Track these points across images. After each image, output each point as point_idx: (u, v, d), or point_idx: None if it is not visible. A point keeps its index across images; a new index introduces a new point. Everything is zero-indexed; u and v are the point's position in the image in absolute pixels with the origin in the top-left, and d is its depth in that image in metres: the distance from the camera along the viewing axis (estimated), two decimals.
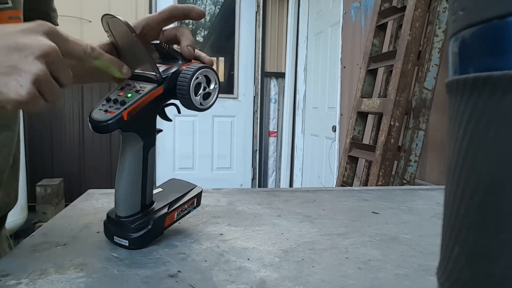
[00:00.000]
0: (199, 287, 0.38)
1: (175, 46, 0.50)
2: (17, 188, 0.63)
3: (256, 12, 3.76)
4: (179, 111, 0.49)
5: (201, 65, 0.46)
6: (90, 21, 3.22)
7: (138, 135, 0.45)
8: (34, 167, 3.22)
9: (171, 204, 0.49)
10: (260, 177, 3.90)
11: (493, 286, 0.17)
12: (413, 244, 0.51)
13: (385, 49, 1.88)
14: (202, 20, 4.02)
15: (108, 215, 0.48)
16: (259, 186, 3.84)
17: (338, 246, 0.49)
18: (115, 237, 0.46)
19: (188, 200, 0.51)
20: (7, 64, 0.35)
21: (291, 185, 3.78)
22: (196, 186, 0.54)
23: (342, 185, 1.85)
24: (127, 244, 0.46)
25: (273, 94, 3.86)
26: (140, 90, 0.44)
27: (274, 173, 3.95)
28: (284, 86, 3.78)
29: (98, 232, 0.53)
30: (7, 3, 0.51)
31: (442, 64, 1.50)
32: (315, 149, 3.33)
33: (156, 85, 0.44)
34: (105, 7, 3.29)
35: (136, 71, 0.47)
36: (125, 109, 0.42)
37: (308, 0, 3.51)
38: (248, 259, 0.45)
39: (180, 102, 0.46)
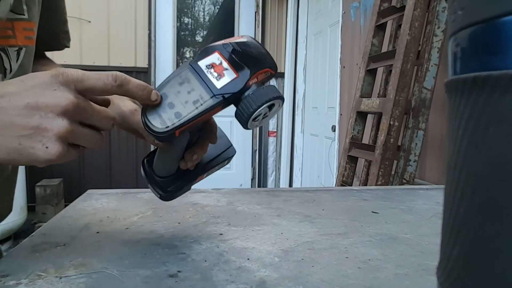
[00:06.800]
0: (199, 287, 0.38)
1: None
2: (12, 198, 0.63)
3: (255, 12, 3.76)
4: None
5: (272, 96, 0.41)
6: (89, 21, 3.22)
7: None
8: (34, 167, 3.21)
9: (204, 168, 0.50)
10: (260, 177, 3.90)
11: (493, 286, 0.17)
12: (413, 243, 0.51)
13: (384, 49, 1.88)
14: (202, 20, 4.02)
15: (145, 167, 0.49)
16: (259, 186, 3.83)
17: (338, 246, 0.49)
18: (149, 184, 0.49)
19: (220, 163, 0.52)
20: (29, 126, 0.34)
21: (290, 185, 3.78)
22: (231, 146, 0.53)
23: (341, 185, 1.85)
24: (159, 196, 0.48)
25: None
26: (198, 99, 0.40)
27: (274, 173, 3.95)
28: (283, 86, 3.78)
29: (98, 232, 0.53)
30: (23, 15, 0.51)
31: (442, 63, 1.50)
32: (315, 149, 3.33)
33: (215, 104, 0.41)
34: (104, 7, 3.29)
35: None
36: (178, 126, 0.39)
37: (307, 0, 3.52)
38: (248, 259, 0.45)
39: (235, 116, 0.43)
